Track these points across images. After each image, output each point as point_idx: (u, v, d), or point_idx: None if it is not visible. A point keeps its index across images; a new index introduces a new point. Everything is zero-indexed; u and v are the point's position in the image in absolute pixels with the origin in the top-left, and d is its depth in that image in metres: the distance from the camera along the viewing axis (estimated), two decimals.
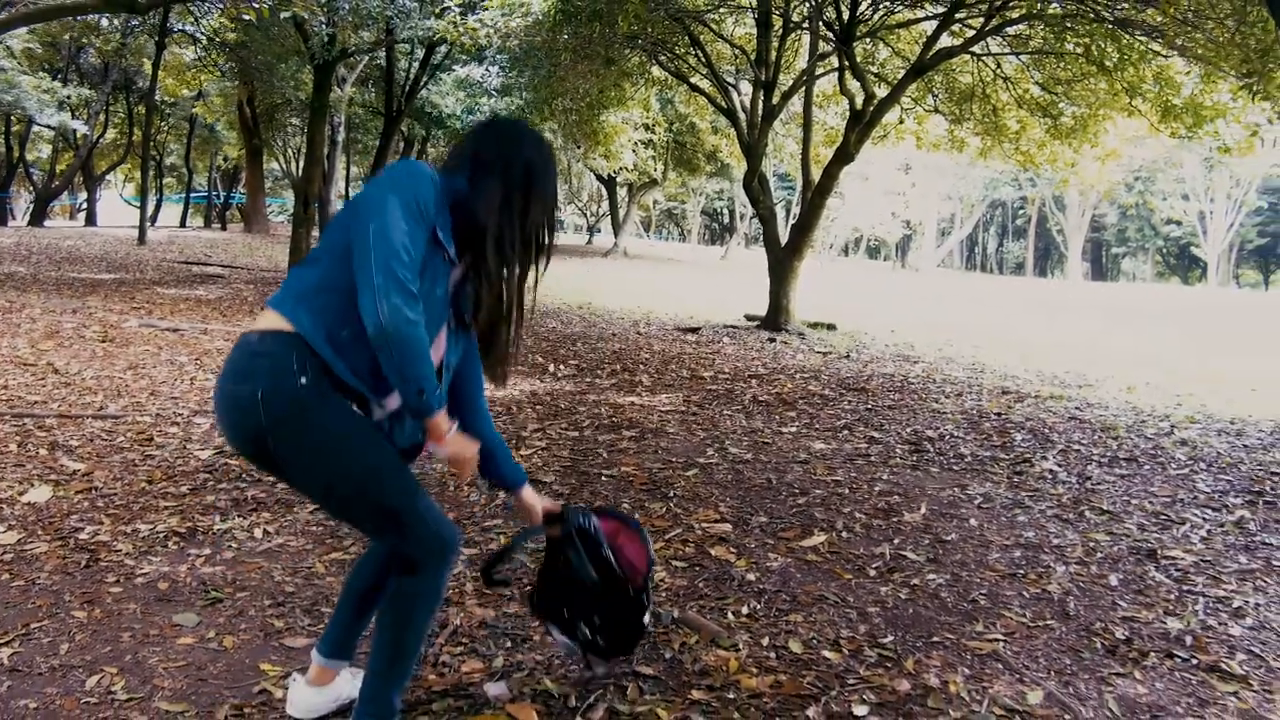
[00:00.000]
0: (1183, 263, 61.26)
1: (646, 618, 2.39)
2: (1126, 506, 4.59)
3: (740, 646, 2.86)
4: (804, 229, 12.81)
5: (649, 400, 7.17)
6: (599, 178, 35.10)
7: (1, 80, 23.62)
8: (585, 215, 49.07)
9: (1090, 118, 12.46)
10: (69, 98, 27.76)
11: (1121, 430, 6.47)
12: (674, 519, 4.10)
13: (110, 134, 34.31)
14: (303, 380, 1.89)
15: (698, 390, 7.74)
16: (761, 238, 13.92)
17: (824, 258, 44.12)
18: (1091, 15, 10.26)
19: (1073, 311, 21.12)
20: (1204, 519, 4.45)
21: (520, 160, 2.10)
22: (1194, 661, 2.91)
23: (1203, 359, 11.94)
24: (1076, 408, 7.42)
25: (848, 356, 10.61)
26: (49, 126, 27.90)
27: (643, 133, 24.24)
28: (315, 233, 17.04)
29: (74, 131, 29.18)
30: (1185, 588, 3.55)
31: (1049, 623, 3.16)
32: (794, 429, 6.22)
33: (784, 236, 13.04)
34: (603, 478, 4.75)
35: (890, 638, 2.98)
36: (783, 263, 12.81)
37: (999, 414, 6.97)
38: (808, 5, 11.72)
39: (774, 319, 12.86)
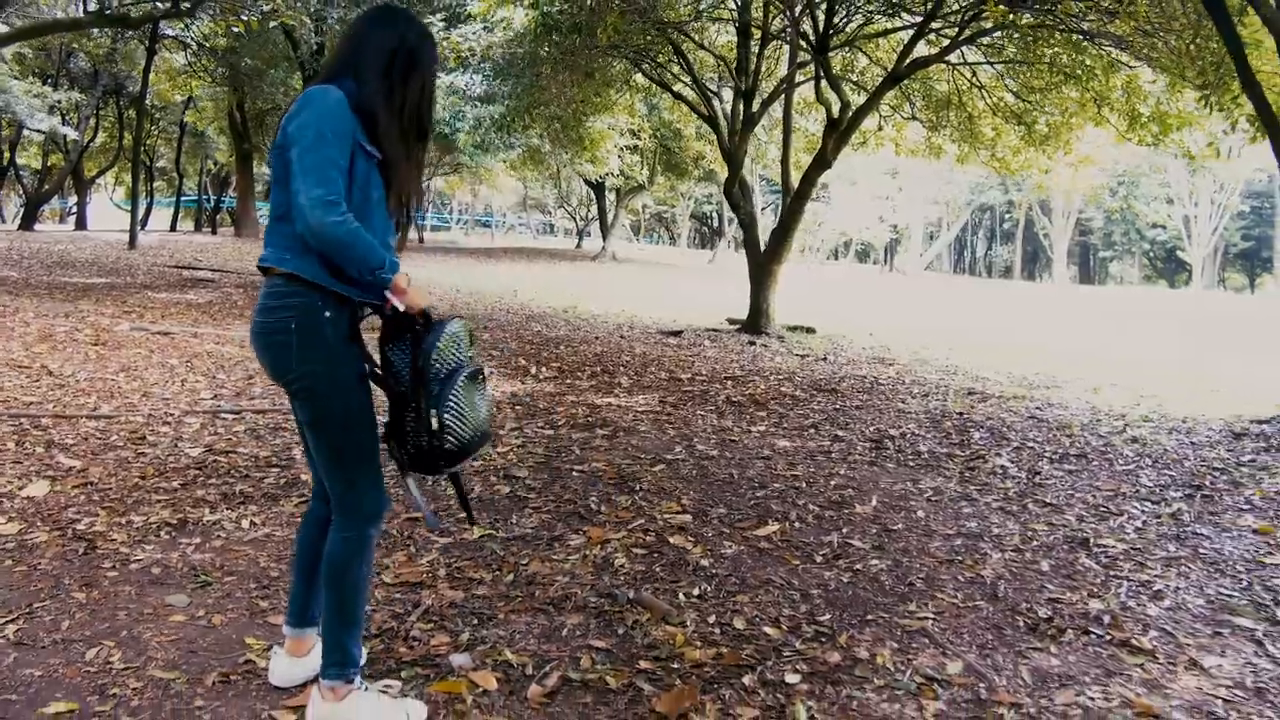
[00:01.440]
0: (1170, 266, 61.81)
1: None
2: (1069, 500, 4.85)
3: (688, 623, 3.11)
4: (784, 234, 13.08)
5: (626, 401, 7.42)
6: (587, 182, 35.36)
7: None
8: (574, 219, 49.29)
9: (1063, 125, 12.77)
10: (59, 102, 27.96)
11: (1076, 429, 6.75)
12: (638, 510, 4.35)
13: (100, 138, 34.47)
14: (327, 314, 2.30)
15: (674, 391, 7.99)
16: (743, 241, 14.17)
17: (810, 262, 44.48)
18: (1060, 26, 10.55)
19: (1051, 314, 21.44)
20: (1141, 511, 4.71)
21: (389, 49, 2.37)
22: (1108, 638, 3.17)
23: (1178, 360, 12.23)
24: (1037, 407, 7.70)
25: (824, 359, 10.87)
26: (39, 131, 28.07)
27: (629, 138, 24.50)
28: None
29: (64, 136, 29.36)
30: (1112, 573, 3.81)
31: (978, 603, 3.42)
32: (762, 428, 6.48)
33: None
34: (573, 473, 4.99)
35: (828, 616, 3.23)
36: (763, 267, 13.08)
37: (961, 414, 7.24)
38: (784, 17, 11.99)
39: (754, 323, 13.12)
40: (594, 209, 41.87)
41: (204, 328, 10.15)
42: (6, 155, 31.03)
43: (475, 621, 3.06)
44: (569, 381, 8.27)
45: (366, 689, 2.44)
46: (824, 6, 11.28)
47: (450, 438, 2.31)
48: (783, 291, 13.61)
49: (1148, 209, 49.46)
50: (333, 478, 2.40)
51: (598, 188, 35.87)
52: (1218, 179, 44.30)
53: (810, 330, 13.79)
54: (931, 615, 3.28)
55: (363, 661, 2.47)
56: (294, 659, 2.60)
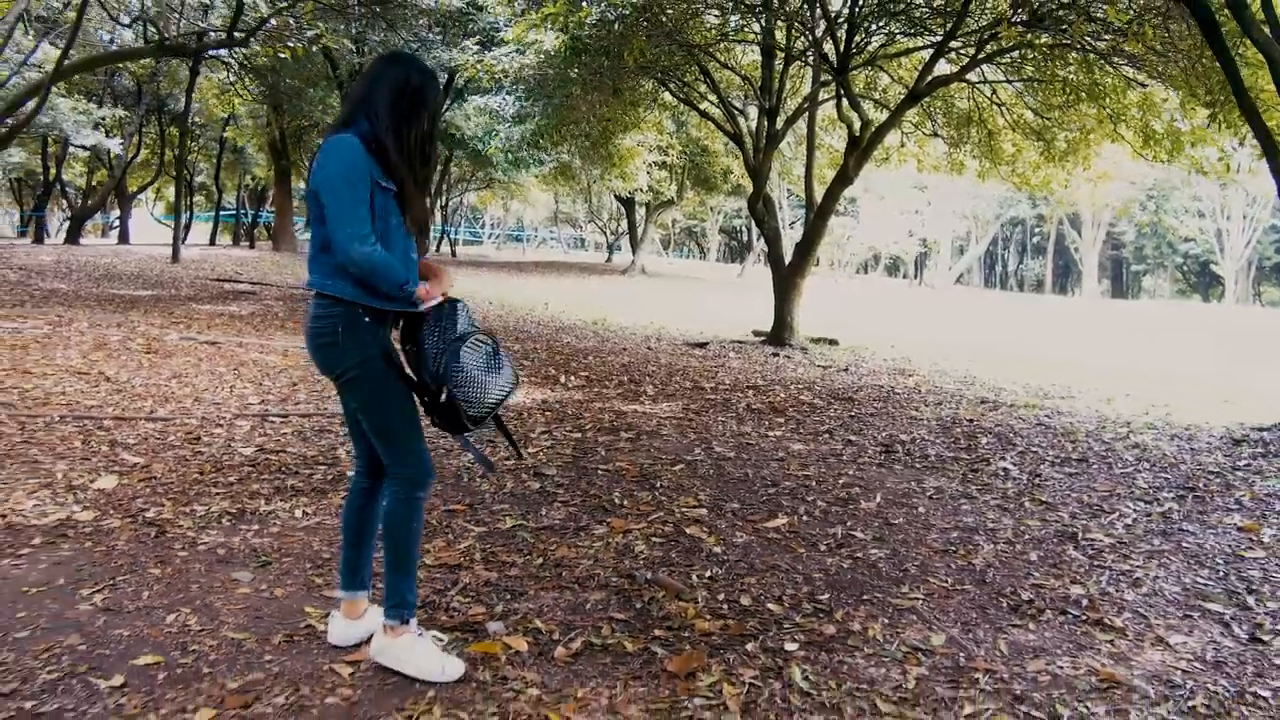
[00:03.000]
0: (1203, 280, 61.42)
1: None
2: (1065, 499, 5.15)
3: (699, 600, 3.45)
4: (807, 248, 13.40)
5: (650, 408, 7.76)
6: (617, 197, 35.80)
7: (17, 93, 24.61)
8: (605, 233, 49.75)
9: (1081, 142, 13.01)
10: (104, 119, 28.74)
11: (1081, 435, 7.03)
12: (657, 504, 4.70)
13: (142, 153, 35.31)
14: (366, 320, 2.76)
15: (697, 399, 8.33)
16: (767, 256, 14.49)
17: (839, 276, 44.64)
18: (1076, 46, 10.83)
19: (1075, 328, 21.56)
20: (1133, 510, 5.00)
21: (396, 89, 2.77)
22: (1083, 618, 3.47)
23: (1213, 375, 12.41)
24: (1046, 415, 7.98)
25: (845, 370, 11.17)
26: (84, 147, 28.84)
27: (657, 155, 24.92)
28: None
29: (108, 151, 30.14)
30: (1096, 563, 4.10)
31: (966, 587, 3.73)
32: (779, 433, 6.80)
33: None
34: (599, 471, 5.35)
35: (827, 595, 3.56)
36: (787, 281, 13.40)
37: (971, 420, 7.53)
38: (804, 39, 12.34)
39: (778, 334, 13.43)
40: (624, 223, 42.30)
41: (248, 338, 10.60)
42: (53, 171, 31.85)
43: (508, 596, 3.41)
44: (597, 390, 8.62)
45: (421, 634, 2.84)
46: (844, 29, 11.60)
47: (465, 405, 2.76)
48: (810, 305, 13.93)
49: (1178, 223, 49.26)
50: (385, 452, 2.84)
51: (628, 202, 36.28)
52: (1250, 193, 44.10)
53: (833, 342, 14.08)
54: (922, 596, 3.60)
55: (414, 603, 2.88)
56: (350, 621, 2.97)
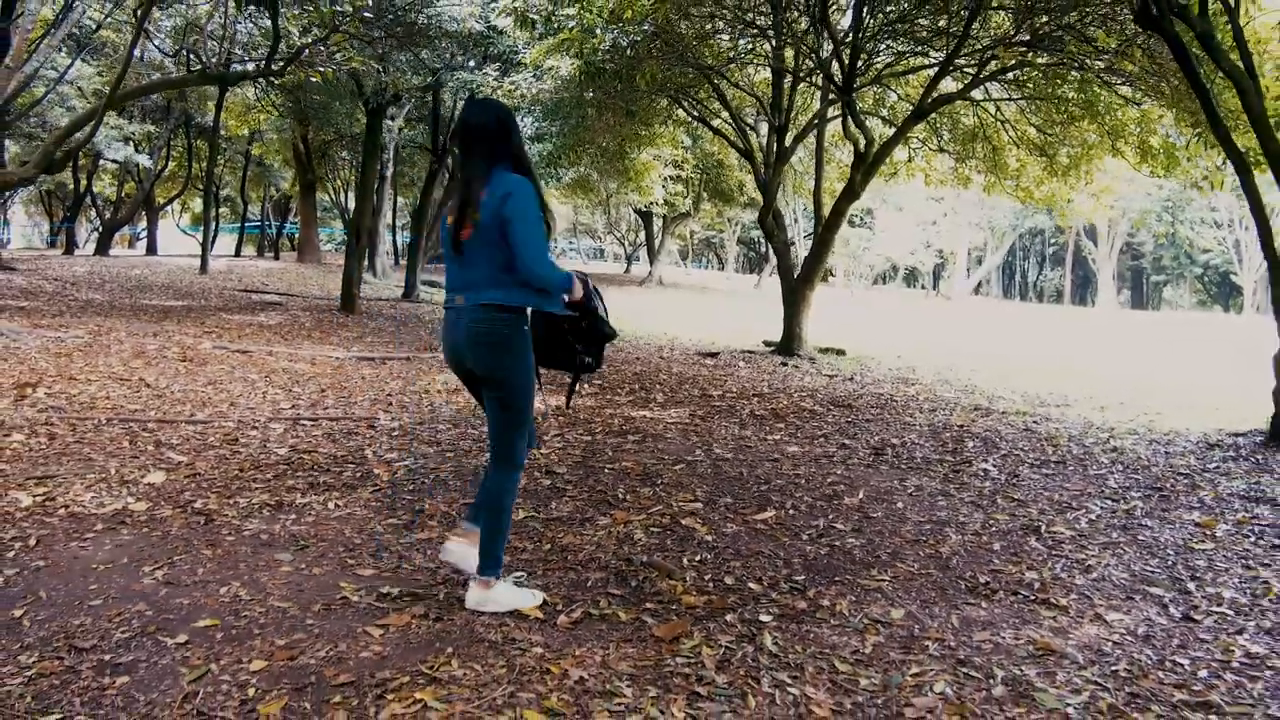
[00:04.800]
0: (1224, 290, 61.28)
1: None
2: (1036, 497, 5.55)
3: (688, 579, 3.88)
4: (815, 261, 13.82)
5: (658, 414, 8.20)
6: (636, 210, 36.31)
7: (72, 119, 25.35)
8: (623, 245, 50.28)
9: (1082, 157, 13.39)
10: (134, 134, 29.49)
11: (1063, 440, 7.41)
12: (658, 499, 5.13)
13: (170, 166, 36.08)
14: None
15: (703, 406, 8.75)
16: (777, 268, 14.91)
17: (855, 287, 44.97)
18: (1075, 65, 11.24)
19: (1084, 338, 21.84)
20: (1099, 507, 5.39)
21: (514, 131, 3.47)
22: (1032, 598, 3.88)
23: (1189, 381, 12.73)
24: (1034, 421, 8.36)
25: (851, 379, 11.57)
26: (115, 160, 29.61)
27: (672, 169, 25.39)
28: (365, 263, 18.26)
29: (137, 165, 30.91)
30: (1054, 552, 4.50)
31: (930, 571, 4.14)
32: (777, 436, 7.23)
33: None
34: (605, 470, 5.79)
35: (803, 577, 3.98)
36: (796, 292, 13.81)
37: (961, 426, 7.93)
38: (810, 60, 12.78)
39: (788, 345, 13.84)
40: (642, 235, 42.82)
41: (277, 347, 11.11)
42: (84, 184, 32.64)
43: (521, 575, 3.85)
44: (608, 397, 9.06)
45: (505, 581, 3.56)
46: (848, 51, 12.03)
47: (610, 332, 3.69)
48: (823, 316, 14.37)
49: (1194, 234, 49.27)
50: (502, 439, 3.49)
51: (645, 214, 36.80)
52: (1269, 204, 44.13)
53: (840, 352, 14.48)
54: (888, 579, 4.01)
55: (502, 561, 3.52)
56: (466, 545, 3.55)
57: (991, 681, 3.08)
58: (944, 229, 44.92)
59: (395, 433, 6.73)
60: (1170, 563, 4.45)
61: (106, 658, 2.98)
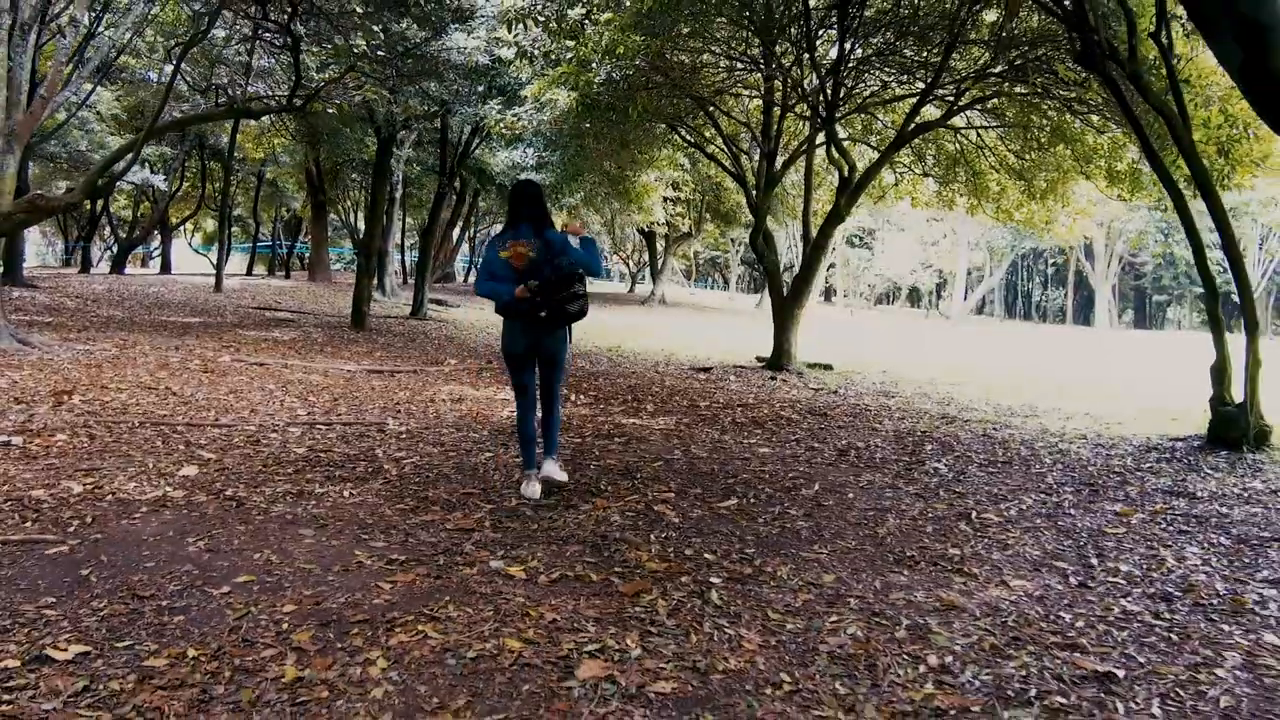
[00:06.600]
0: (1225, 310, 61.81)
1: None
2: (976, 490, 6.18)
3: (652, 551, 4.52)
4: (804, 280, 14.50)
5: (647, 421, 8.84)
6: (639, 230, 37.09)
7: (92, 140, 26.22)
8: (627, 265, 51.07)
9: (1059, 181, 14.07)
10: (150, 155, 30.36)
11: (1015, 444, 8.04)
12: (635, 490, 5.78)
13: (184, 187, 36.99)
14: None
15: (690, 415, 9.40)
16: (768, 287, 15.57)
17: (854, 305, 45.62)
18: (1047, 95, 11.93)
19: (1075, 355, 22.42)
20: (1032, 499, 6.02)
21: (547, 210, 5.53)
22: (950, 569, 4.50)
23: (1161, 393, 13.31)
24: (994, 428, 8.99)
25: (835, 392, 12.20)
26: (132, 182, 30.50)
27: (671, 190, 26.16)
28: (375, 282, 18.97)
29: (153, 186, 31.80)
30: (979, 534, 5.13)
31: (865, 548, 4.78)
32: (753, 440, 7.87)
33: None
34: (591, 466, 6.44)
35: (753, 550, 4.62)
36: (786, 310, 14.47)
37: (924, 432, 8.57)
38: (796, 93, 13.51)
39: (777, 360, 14.49)
40: (647, 255, 43.59)
41: (292, 360, 11.79)
42: (100, 204, 33.52)
43: (509, 545, 4.49)
44: (602, 407, 9.71)
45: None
46: (830, 84, 12.73)
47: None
48: (821, 334, 15.02)
49: (1189, 253, 49.76)
50: (558, 379, 5.58)
51: (648, 235, 37.56)
52: (1265, 225, 44.70)
53: (828, 367, 15.11)
54: (827, 553, 4.65)
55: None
56: (536, 483, 5.51)
57: (897, 627, 3.71)
58: (943, 249, 45.62)
59: (403, 435, 7.38)
60: (1082, 543, 5.07)
61: (164, 603, 3.63)
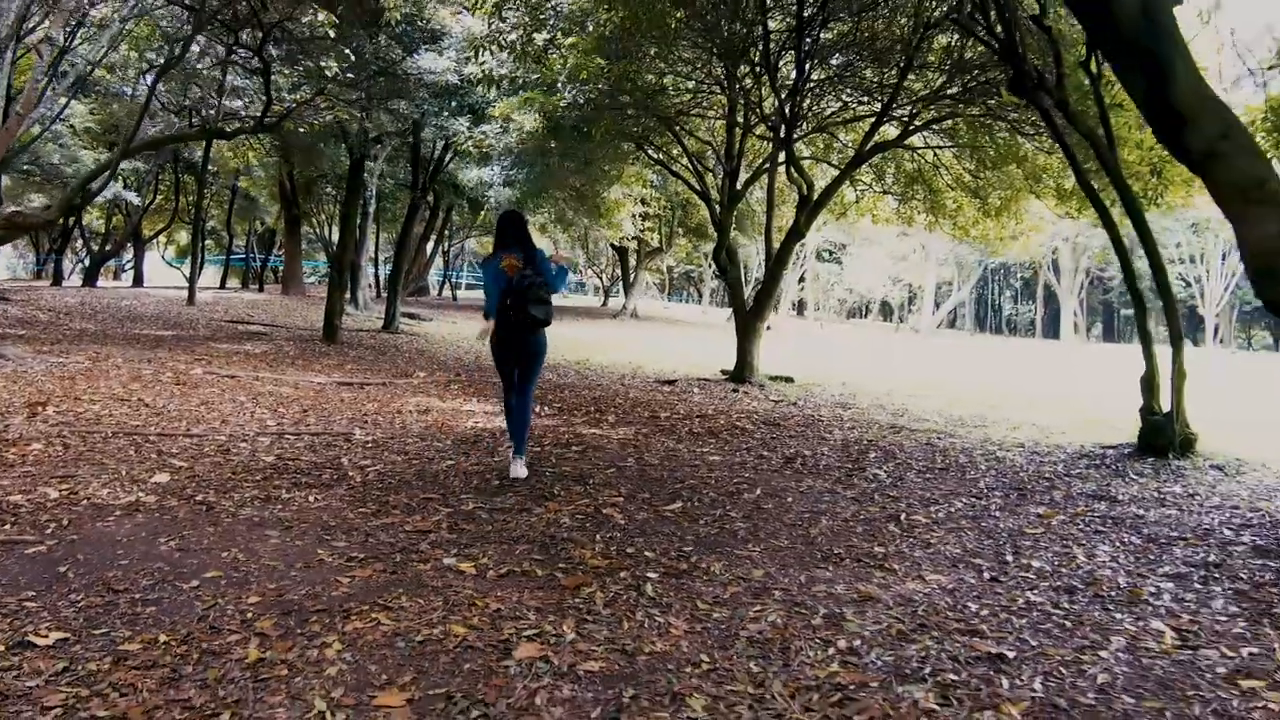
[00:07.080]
0: (1191, 324, 62.88)
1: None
2: (909, 495, 6.55)
3: (596, 549, 4.85)
4: (765, 294, 14.90)
5: (607, 431, 9.17)
6: (612, 245, 37.49)
7: (66, 154, 26.37)
8: (600, 279, 51.43)
9: (1012, 199, 14.56)
10: (123, 170, 30.48)
11: (955, 451, 8.43)
12: (587, 495, 6.11)
13: (157, 200, 37.07)
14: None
15: (649, 425, 9.74)
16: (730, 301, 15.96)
17: (823, 319, 46.17)
18: (999, 116, 12.41)
19: (1036, 367, 22.94)
20: (962, 503, 6.39)
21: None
22: (872, 565, 4.86)
23: (1113, 406, 13.76)
24: (938, 437, 9.38)
25: (794, 404, 12.58)
26: (105, 196, 30.63)
27: (640, 206, 26.60)
28: (347, 296, 19.22)
29: (126, 200, 31.91)
30: (905, 535, 5.49)
31: (797, 546, 5.13)
32: (705, 449, 8.22)
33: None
34: (547, 473, 6.77)
35: (690, 549, 4.96)
36: (748, 323, 14.86)
37: (871, 440, 8.95)
38: (756, 114, 13.94)
39: (740, 373, 14.87)
40: (620, 269, 43.99)
41: (263, 373, 12.04)
42: (73, 218, 33.56)
43: (463, 545, 4.81)
44: (565, 418, 10.03)
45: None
46: (790, 105, 13.17)
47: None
48: (788, 347, 15.42)
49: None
50: (533, 383, 6.69)
51: (620, 250, 37.95)
52: (1227, 240, 45.63)
53: (789, 379, 15.50)
54: (759, 551, 5.00)
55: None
56: (521, 465, 6.48)
57: (814, 615, 4.05)
58: (913, 264, 46.27)
59: (369, 445, 7.68)
60: (1001, 542, 5.44)
61: (137, 596, 3.92)
